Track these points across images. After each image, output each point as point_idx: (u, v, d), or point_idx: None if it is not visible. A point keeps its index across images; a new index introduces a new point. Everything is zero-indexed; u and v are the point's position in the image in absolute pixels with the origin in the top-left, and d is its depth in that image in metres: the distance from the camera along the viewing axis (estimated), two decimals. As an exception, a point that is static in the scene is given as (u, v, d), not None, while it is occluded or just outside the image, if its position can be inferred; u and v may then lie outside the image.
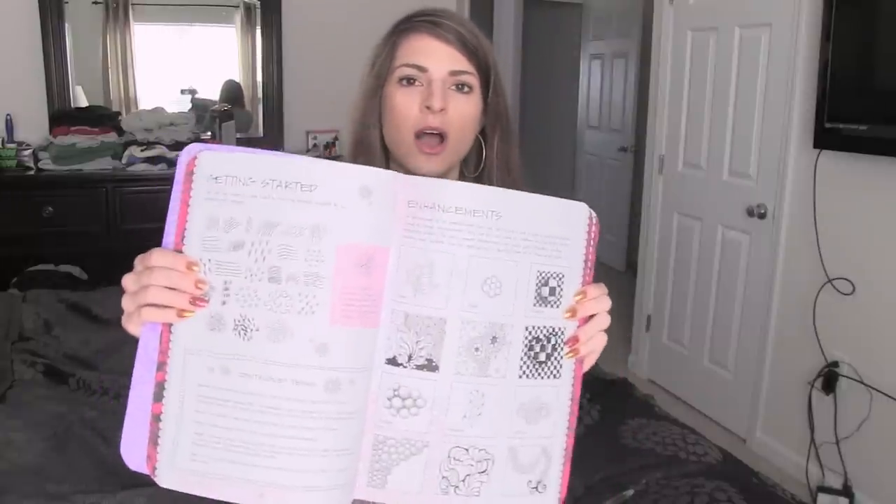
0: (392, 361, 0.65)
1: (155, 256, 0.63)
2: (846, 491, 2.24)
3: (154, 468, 0.64)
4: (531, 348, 0.67)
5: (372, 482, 0.66)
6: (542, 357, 0.68)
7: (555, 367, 0.69)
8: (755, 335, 2.66)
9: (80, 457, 1.37)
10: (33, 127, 3.10)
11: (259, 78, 3.56)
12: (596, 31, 5.32)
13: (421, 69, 0.89)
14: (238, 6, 3.56)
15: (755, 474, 1.34)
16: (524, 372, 0.67)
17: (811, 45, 2.30)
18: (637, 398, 1.65)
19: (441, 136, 0.89)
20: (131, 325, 0.64)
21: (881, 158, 2.07)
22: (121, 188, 2.96)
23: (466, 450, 0.67)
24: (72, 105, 3.20)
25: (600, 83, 5.31)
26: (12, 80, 3.09)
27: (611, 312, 0.73)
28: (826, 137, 2.22)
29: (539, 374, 0.68)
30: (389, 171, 0.66)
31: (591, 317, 0.71)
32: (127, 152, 3.02)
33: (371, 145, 0.95)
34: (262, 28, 3.49)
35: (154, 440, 0.63)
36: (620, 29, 4.98)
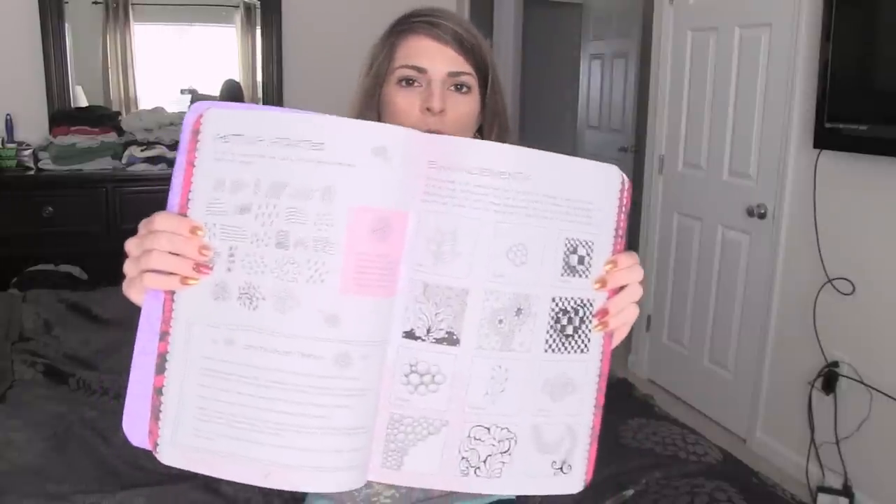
0: (409, 335, 0.61)
1: (158, 220, 0.59)
2: (846, 491, 2.24)
3: (156, 444, 0.60)
4: (558, 321, 0.63)
5: (387, 463, 0.62)
6: (570, 330, 0.63)
7: (582, 341, 0.64)
8: (755, 335, 2.66)
9: (80, 457, 1.37)
10: (33, 127, 3.10)
11: (259, 78, 3.56)
12: (596, 31, 5.32)
13: (420, 70, 0.90)
14: (238, 6, 3.56)
15: (755, 474, 1.34)
16: (550, 346, 0.63)
17: (811, 45, 2.30)
18: (637, 398, 1.65)
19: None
20: (133, 292, 0.61)
21: (881, 158, 2.07)
22: (121, 188, 2.96)
23: (488, 429, 0.63)
24: (72, 105, 3.20)
25: (600, 83, 5.30)
26: (12, 80, 3.09)
27: (643, 283, 0.68)
28: (826, 137, 2.22)
29: (566, 349, 0.64)
30: (408, 129, 0.60)
31: (622, 288, 0.66)
32: (127, 152, 3.02)
33: None
34: (262, 28, 3.49)
35: (156, 415, 0.60)
36: (620, 29, 4.98)
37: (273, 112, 0.59)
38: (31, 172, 2.91)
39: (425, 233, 0.60)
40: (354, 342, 0.59)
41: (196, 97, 3.48)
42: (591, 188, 0.63)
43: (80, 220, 2.91)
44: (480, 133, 0.97)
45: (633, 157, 4.83)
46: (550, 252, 0.62)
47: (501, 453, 0.63)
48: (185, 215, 0.59)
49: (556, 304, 0.63)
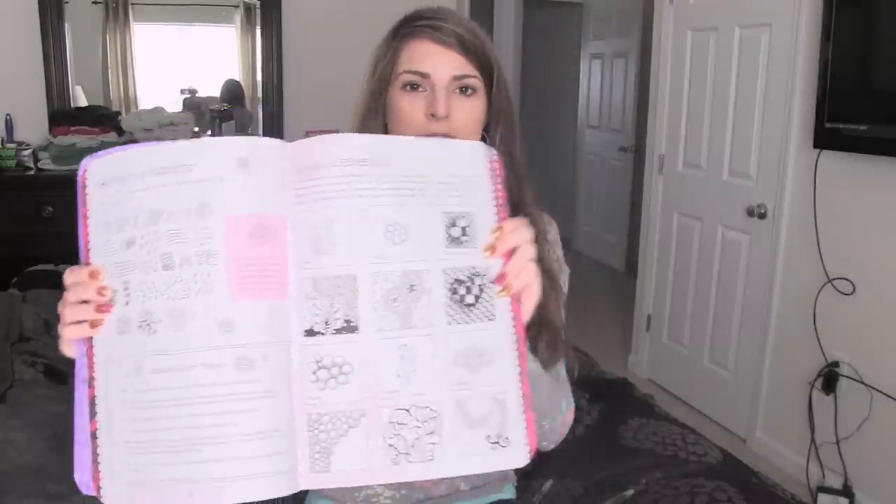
0: (309, 332, 0.61)
1: (65, 275, 0.63)
2: (846, 491, 2.24)
3: (99, 488, 0.62)
4: (455, 291, 0.64)
5: (315, 467, 0.61)
6: (470, 299, 0.64)
7: (487, 309, 0.64)
8: (755, 335, 2.66)
9: (80, 457, 1.37)
10: (33, 127, 3.11)
11: (259, 77, 3.56)
12: (596, 31, 5.32)
13: (424, 75, 0.90)
14: (238, 6, 3.56)
15: (755, 474, 1.34)
16: (452, 317, 0.63)
17: (811, 45, 2.30)
18: (637, 398, 1.65)
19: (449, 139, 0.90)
20: (65, 348, 0.65)
21: (881, 158, 2.07)
22: (121, 188, 2.96)
23: (408, 410, 0.62)
24: (71, 105, 3.21)
25: (600, 83, 5.30)
26: (12, 80, 3.09)
27: (537, 243, 0.69)
28: (826, 137, 2.22)
29: (470, 318, 0.64)
30: (270, 139, 0.62)
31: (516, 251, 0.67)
32: (127, 152, 3.02)
33: None
34: (262, 28, 3.50)
35: (95, 459, 0.62)
36: (620, 29, 4.98)
37: (141, 147, 0.62)
38: (31, 172, 2.92)
39: (302, 231, 0.61)
40: (252, 345, 0.60)
41: (190, 102, 3.47)
42: (459, 164, 0.65)
43: (80, 220, 2.91)
44: (486, 132, 0.96)
45: (633, 156, 4.84)
46: (429, 227, 0.63)
47: (428, 434, 0.62)
48: (88, 264, 0.62)
49: (449, 276, 0.63)
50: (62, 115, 3.07)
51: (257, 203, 0.61)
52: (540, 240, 0.90)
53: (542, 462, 1.36)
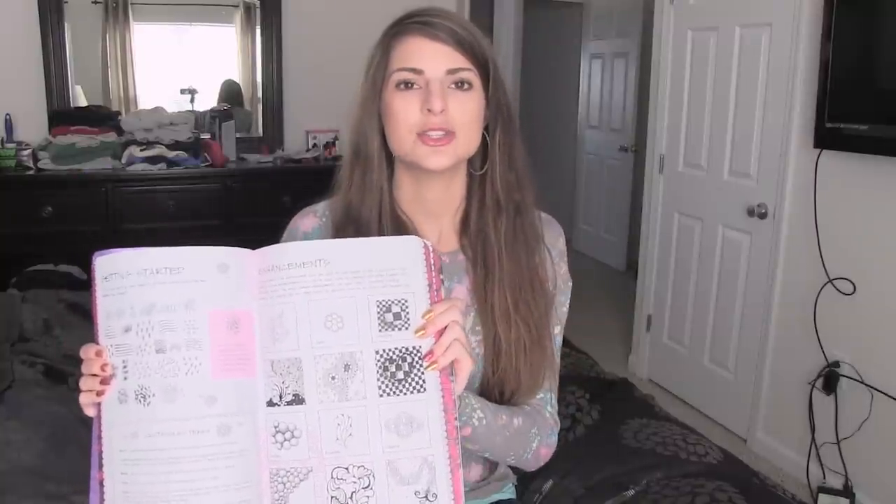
0: (270, 403, 0.75)
1: (81, 352, 0.75)
2: (847, 491, 2.24)
3: None
4: (386, 368, 0.75)
5: None
6: (400, 375, 0.75)
7: (417, 383, 0.75)
8: (755, 335, 2.66)
9: (80, 457, 1.37)
10: (33, 127, 3.10)
11: (259, 78, 3.56)
12: (596, 31, 5.32)
13: (417, 72, 0.89)
14: (238, 6, 3.56)
15: (755, 474, 1.34)
16: (384, 391, 0.74)
17: (811, 45, 2.30)
18: (637, 398, 1.65)
19: (447, 133, 0.89)
20: (86, 410, 0.76)
21: (882, 158, 2.07)
22: (120, 188, 2.96)
23: (346, 469, 0.74)
24: (71, 105, 3.20)
25: (600, 83, 5.30)
26: (12, 80, 3.09)
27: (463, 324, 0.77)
28: (827, 137, 2.22)
29: (401, 391, 0.74)
30: (241, 249, 0.76)
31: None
32: (126, 152, 3.02)
33: (369, 155, 0.95)
34: (261, 28, 3.49)
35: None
36: (620, 29, 4.98)
37: (139, 251, 0.74)
38: (31, 172, 2.91)
39: (263, 322, 0.75)
40: (230, 414, 0.74)
41: (183, 117, 3.47)
42: (394, 257, 0.76)
43: (80, 219, 2.91)
44: (487, 131, 0.95)
45: (634, 156, 4.84)
46: (364, 314, 0.75)
47: (364, 488, 0.74)
48: (97, 342, 0.75)
49: (381, 356, 0.75)
50: (62, 115, 3.07)
51: (233, 299, 0.75)
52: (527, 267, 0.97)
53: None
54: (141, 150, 3.01)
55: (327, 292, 0.75)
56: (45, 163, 2.94)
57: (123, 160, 3.01)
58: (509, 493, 1.16)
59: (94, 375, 0.74)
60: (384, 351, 0.74)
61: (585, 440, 1.46)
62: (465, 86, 0.90)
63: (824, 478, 2.34)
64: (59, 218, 2.87)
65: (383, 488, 0.74)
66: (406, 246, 0.77)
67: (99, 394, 0.74)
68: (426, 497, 0.74)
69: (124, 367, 0.74)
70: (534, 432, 0.97)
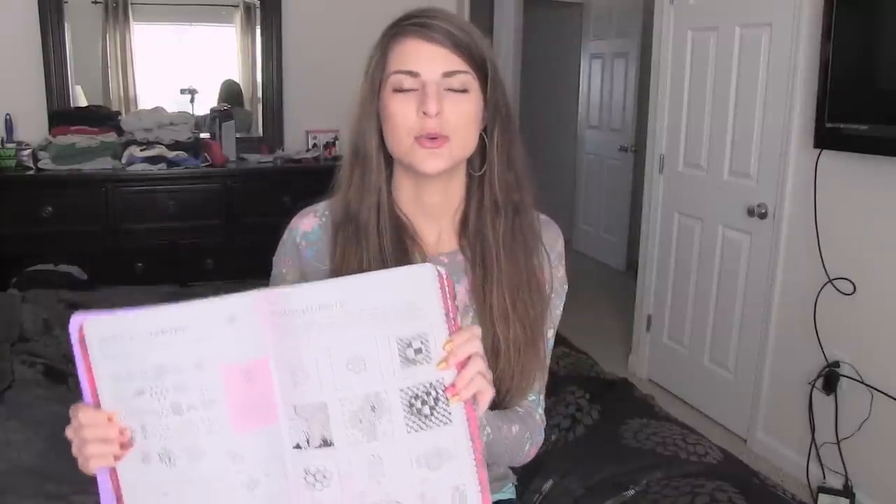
0: (297, 447, 0.74)
1: (81, 415, 0.73)
2: (847, 491, 2.24)
3: None
4: (412, 405, 0.74)
5: None
6: (427, 410, 0.74)
7: (443, 415, 0.75)
8: (755, 335, 2.66)
9: (80, 457, 1.37)
10: (33, 127, 3.10)
11: (259, 78, 3.56)
12: (596, 31, 5.32)
13: (413, 74, 0.89)
14: (238, 6, 3.56)
15: (755, 474, 1.34)
16: (411, 427, 0.74)
17: (811, 45, 2.30)
18: (637, 398, 1.64)
19: (443, 137, 0.89)
20: (87, 470, 0.74)
21: (882, 158, 2.07)
22: (120, 188, 2.96)
23: None
24: (71, 105, 3.20)
25: (600, 83, 5.30)
26: (12, 80, 3.09)
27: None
28: (827, 137, 2.22)
29: (428, 425, 0.74)
30: (248, 294, 0.73)
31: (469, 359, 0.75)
32: (126, 152, 3.02)
33: (368, 156, 0.95)
34: (261, 28, 3.49)
35: None
36: (620, 29, 4.98)
37: (137, 312, 0.72)
38: (31, 172, 2.91)
39: (282, 367, 0.73)
40: (257, 466, 0.73)
41: (183, 117, 3.47)
42: (408, 290, 0.74)
43: (80, 219, 2.91)
44: (485, 132, 0.95)
45: (634, 156, 4.84)
46: (385, 354, 0.73)
47: None
48: (98, 405, 0.73)
49: (406, 393, 0.74)
50: (62, 115, 3.07)
51: (245, 351, 0.73)
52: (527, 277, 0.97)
53: (542, 462, 1.36)
54: (141, 150, 3.01)
55: (346, 333, 0.73)
56: (46, 163, 2.94)
57: (123, 160, 3.01)
58: (509, 493, 1.16)
59: (105, 441, 0.72)
60: (409, 388, 0.74)
61: (585, 440, 1.46)
62: (462, 89, 0.89)
63: (824, 478, 2.34)
64: (59, 218, 2.87)
65: None
66: (420, 276, 0.75)
67: (116, 457, 0.73)
68: None
69: (143, 429, 0.73)
70: (527, 436, 1.00)
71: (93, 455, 0.73)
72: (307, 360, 0.73)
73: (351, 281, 0.75)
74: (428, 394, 0.74)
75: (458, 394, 0.74)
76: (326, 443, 0.73)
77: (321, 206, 1.02)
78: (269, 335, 0.73)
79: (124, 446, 0.73)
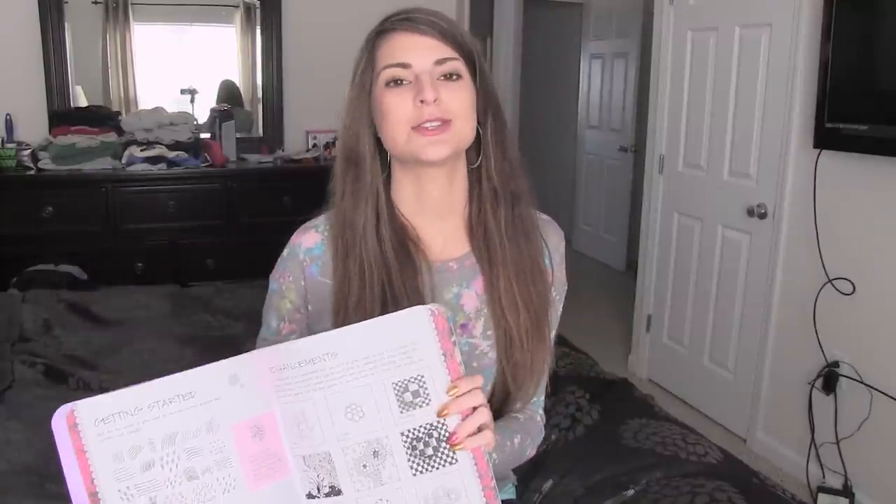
0: (309, 496, 0.76)
1: None
2: (846, 491, 2.24)
3: None
4: (414, 448, 0.74)
5: None
6: (430, 451, 0.74)
7: (448, 455, 0.74)
8: (755, 335, 2.66)
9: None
10: (33, 127, 3.11)
11: (259, 78, 3.56)
12: (596, 31, 5.32)
13: (405, 66, 0.88)
14: (238, 6, 3.56)
15: (755, 474, 1.34)
16: (416, 469, 0.74)
17: (811, 45, 2.30)
18: (637, 398, 1.64)
19: (444, 122, 0.88)
20: None
21: (882, 158, 2.07)
22: (120, 188, 2.96)
23: None
24: (72, 105, 3.21)
25: (600, 83, 5.30)
26: (12, 80, 3.09)
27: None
28: (826, 137, 2.22)
29: (433, 466, 0.74)
30: (246, 355, 0.75)
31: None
32: (127, 152, 3.02)
33: (361, 159, 0.94)
34: (261, 28, 3.49)
35: None
36: (620, 29, 4.98)
37: (139, 387, 0.72)
38: (31, 172, 2.91)
39: (286, 420, 0.76)
40: None
41: (183, 117, 3.47)
42: (402, 333, 0.73)
43: (80, 220, 2.91)
44: (479, 122, 0.95)
45: (633, 156, 4.84)
46: (382, 400, 0.73)
47: None
48: (95, 493, 0.71)
49: (407, 437, 0.74)
50: (62, 115, 3.07)
51: (252, 408, 0.75)
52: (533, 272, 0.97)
53: (542, 462, 1.36)
54: (141, 151, 3.01)
55: (342, 384, 0.74)
56: (46, 163, 2.94)
57: (123, 160, 3.02)
58: (509, 493, 1.16)
59: None
60: (409, 431, 0.74)
61: (585, 440, 1.46)
62: (455, 76, 0.89)
63: (824, 478, 2.34)
64: (59, 218, 2.87)
65: None
66: (413, 319, 0.73)
67: None
68: None
69: (153, 503, 0.72)
70: (528, 443, 1.01)
71: None
72: (308, 411, 0.74)
73: (344, 333, 0.75)
74: (430, 435, 0.74)
75: (462, 444, 0.73)
76: (335, 491, 0.75)
77: (320, 221, 1.00)
78: (270, 389, 0.75)
79: None
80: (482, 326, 0.97)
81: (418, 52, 0.88)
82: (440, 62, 0.88)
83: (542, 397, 1.06)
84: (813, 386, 2.36)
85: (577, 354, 1.88)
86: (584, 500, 1.27)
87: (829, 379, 2.29)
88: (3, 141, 2.99)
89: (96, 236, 2.92)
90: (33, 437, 1.41)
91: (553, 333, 1.04)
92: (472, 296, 0.98)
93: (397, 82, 0.89)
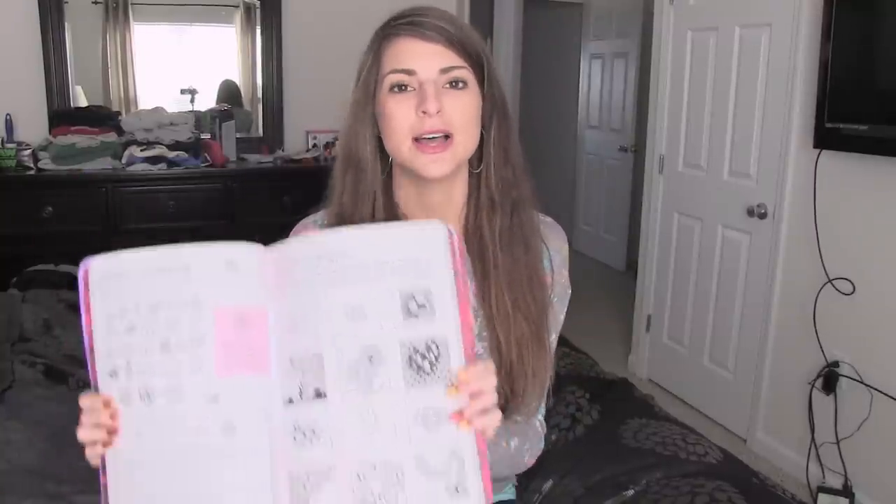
0: (289, 401, 0.72)
1: (81, 400, 0.74)
2: (846, 491, 2.24)
3: None
4: (411, 360, 0.71)
5: None
6: (427, 366, 0.71)
7: (443, 374, 0.71)
8: (755, 335, 2.66)
9: (80, 457, 1.36)
10: (33, 127, 3.10)
11: (259, 78, 3.56)
12: (596, 31, 5.32)
13: (409, 72, 0.87)
14: (238, 6, 3.56)
15: (755, 474, 1.34)
16: (410, 383, 0.71)
17: (811, 45, 2.30)
18: (637, 398, 1.65)
19: (446, 136, 0.87)
20: (91, 461, 0.75)
21: (881, 158, 2.07)
22: (120, 188, 2.96)
23: (374, 466, 0.71)
24: (72, 105, 3.20)
25: (600, 83, 5.30)
26: (12, 80, 3.09)
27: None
28: (826, 137, 2.22)
29: (427, 383, 0.71)
30: (252, 245, 0.73)
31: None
32: (127, 152, 3.02)
33: (362, 160, 0.93)
34: (261, 28, 3.49)
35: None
36: (620, 29, 4.98)
37: (140, 252, 0.73)
38: (31, 172, 2.91)
39: (281, 318, 0.72)
40: (236, 413, 0.71)
41: (183, 117, 3.46)
42: (416, 246, 0.72)
43: (80, 220, 2.91)
44: (484, 127, 0.94)
45: (633, 156, 4.84)
46: (386, 305, 0.71)
47: (392, 486, 0.71)
48: (93, 347, 0.73)
49: (405, 347, 0.71)
50: (62, 115, 3.07)
51: (242, 296, 0.73)
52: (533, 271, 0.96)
53: (542, 462, 1.36)
54: (141, 151, 3.01)
55: (348, 284, 0.71)
56: (46, 163, 2.94)
57: (124, 160, 3.01)
58: (510, 493, 1.16)
59: (98, 426, 0.72)
60: (409, 341, 0.71)
61: (585, 440, 1.46)
62: (460, 84, 0.89)
63: (824, 478, 2.34)
64: (59, 218, 2.87)
65: (413, 484, 0.71)
66: (429, 233, 0.73)
67: (105, 444, 0.73)
68: (456, 490, 0.71)
69: (128, 366, 0.73)
70: (525, 448, 0.98)
71: (86, 440, 0.73)
72: (307, 310, 0.72)
73: (357, 234, 0.74)
74: (429, 349, 0.71)
75: (469, 422, 0.71)
76: (319, 394, 0.71)
77: (320, 216, 1.00)
78: (269, 284, 0.73)
79: (112, 432, 0.72)
80: (478, 328, 0.97)
81: (424, 60, 0.87)
82: (446, 70, 0.88)
83: (543, 406, 1.04)
84: (813, 386, 2.36)
85: (577, 354, 1.88)
86: (584, 501, 1.27)
87: (829, 379, 2.30)
88: (3, 141, 2.98)
89: (96, 236, 2.92)
90: (33, 437, 1.41)
91: (553, 338, 1.03)
92: (471, 294, 0.98)
93: (401, 88, 0.88)
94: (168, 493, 0.72)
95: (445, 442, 0.71)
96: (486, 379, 0.73)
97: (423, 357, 0.71)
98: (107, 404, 0.72)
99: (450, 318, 0.72)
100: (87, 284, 0.74)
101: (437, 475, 0.71)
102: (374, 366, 0.71)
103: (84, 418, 0.73)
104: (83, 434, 0.73)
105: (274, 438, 0.72)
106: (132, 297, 0.73)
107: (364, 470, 0.71)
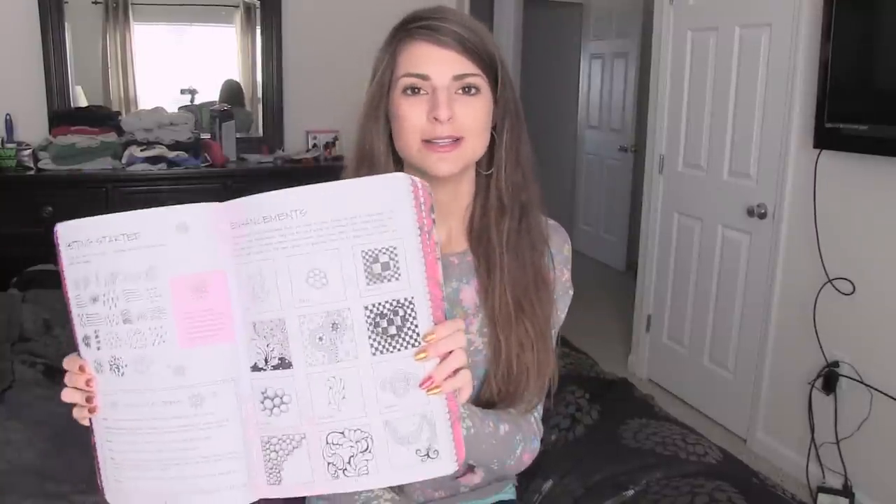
0: (255, 368, 0.71)
1: (64, 362, 0.77)
2: (846, 491, 2.24)
3: (102, 489, 0.77)
4: (377, 324, 0.68)
5: (270, 480, 0.72)
6: (393, 330, 0.69)
7: (411, 337, 0.69)
8: (755, 335, 2.66)
9: (80, 457, 1.37)
10: (33, 127, 3.11)
11: (259, 78, 3.56)
12: (596, 31, 5.32)
13: (423, 77, 0.88)
14: (238, 6, 3.56)
15: (755, 474, 1.34)
16: (376, 349, 0.69)
17: (811, 45, 2.30)
18: (637, 398, 1.64)
19: (456, 139, 0.88)
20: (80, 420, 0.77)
21: (881, 158, 2.07)
22: (120, 188, 2.96)
23: (342, 433, 0.70)
24: (72, 105, 3.21)
25: (600, 83, 5.30)
26: (12, 80, 3.09)
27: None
28: (826, 137, 2.22)
29: (394, 347, 0.69)
30: (204, 204, 0.71)
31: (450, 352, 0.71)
32: (127, 152, 3.02)
33: (375, 157, 0.94)
34: (261, 28, 3.50)
35: (97, 469, 0.77)
36: (620, 29, 4.98)
37: (96, 218, 0.72)
38: (31, 172, 2.91)
39: (241, 282, 0.70)
40: (202, 384, 0.71)
41: (183, 117, 3.46)
42: (378, 200, 0.68)
43: (80, 220, 2.91)
44: (495, 130, 0.94)
45: (633, 156, 4.84)
46: (349, 268, 0.68)
47: (362, 452, 0.70)
48: (70, 314, 0.75)
49: (371, 311, 0.68)
50: (62, 115, 3.07)
51: (197, 262, 0.70)
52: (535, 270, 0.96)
53: (542, 462, 1.36)
54: (141, 151, 3.02)
55: (307, 245, 0.68)
56: (46, 163, 2.94)
57: (124, 160, 3.02)
58: (510, 493, 1.16)
59: (76, 389, 0.75)
60: (374, 305, 0.68)
61: (585, 440, 1.46)
62: (473, 90, 0.89)
63: (824, 478, 2.34)
64: (59, 218, 2.78)
65: (382, 450, 0.70)
66: (392, 185, 0.68)
67: (91, 410, 0.74)
68: (427, 455, 0.70)
69: (96, 336, 0.73)
70: (518, 438, 0.97)
71: (67, 401, 0.75)
72: (266, 273, 0.69)
73: (315, 189, 0.69)
74: (395, 312, 0.68)
75: (439, 386, 0.69)
76: (284, 363, 0.70)
77: None
78: (225, 247, 0.70)
79: (90, 400, 0.74)
80: (479, 323, 0.97)
81: (438, 66, 0.88)
82: (459, 77, 0.88)
83: (541, 406, 1.03)
84: (813, 386, 2.36)
85: (577, 354, 1.88)
86: (583, 501, 1.27)
87: (829, 379, 2.30)
88: (3, 141, 2.99)
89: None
90: (33, 437, 1.41)
91: (554, 332, 1.03)
92: (471, 292, 0.98)
93: (414, 91, 0.89)
94: (148, 462, 0.73)
95: (415, 407, 0.69)
96: (455, 338, 0.71)
97: (390, 322, 0.68)
98: (82, 369, 0.75)
99: (416, 278, 0.68)
100: (58, 248, 0.74)
101: (408, 440, 0.70)
102: (338, 332, 0.69)
103: (66, 379, 0.76)
104: (64, 395, 0.76)
105: (243, 405, 0.71)
106: (93, 266, 0.72)
107: (333, 437, 0.70)
